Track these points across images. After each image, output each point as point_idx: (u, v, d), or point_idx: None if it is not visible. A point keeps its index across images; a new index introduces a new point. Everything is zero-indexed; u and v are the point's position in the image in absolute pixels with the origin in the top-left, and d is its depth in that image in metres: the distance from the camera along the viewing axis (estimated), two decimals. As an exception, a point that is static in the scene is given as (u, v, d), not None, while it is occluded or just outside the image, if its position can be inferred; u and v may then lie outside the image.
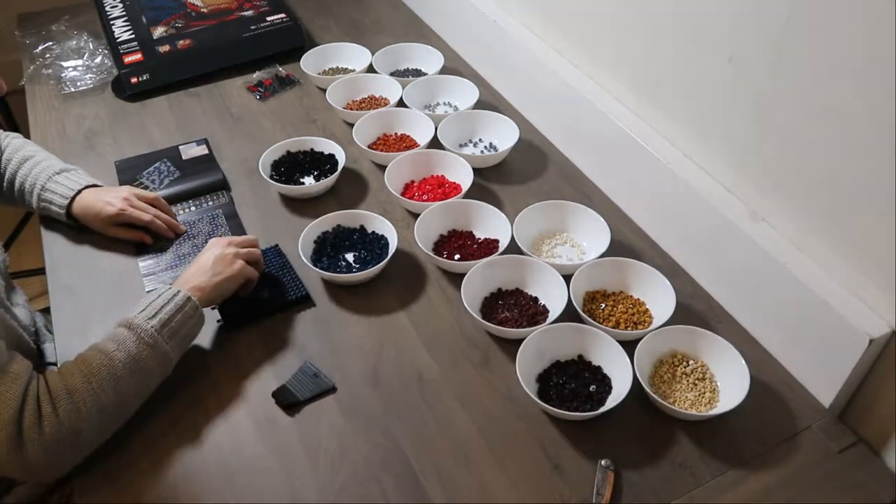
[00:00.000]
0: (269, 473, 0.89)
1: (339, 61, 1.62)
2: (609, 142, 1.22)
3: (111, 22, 1.67)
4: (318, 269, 1.09)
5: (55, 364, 1.12)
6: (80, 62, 1.62)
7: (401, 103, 1.43)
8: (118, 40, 1.60)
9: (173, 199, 1.27)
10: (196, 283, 0.98)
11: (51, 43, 1.68)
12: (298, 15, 1.75)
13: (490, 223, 1.18)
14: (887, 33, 0.75)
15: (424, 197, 1.24)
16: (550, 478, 0.88)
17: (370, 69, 1.56)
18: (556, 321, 1.00)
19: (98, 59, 1.63)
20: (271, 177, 1.28)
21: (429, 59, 1.59)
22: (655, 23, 1.09)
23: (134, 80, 1.53)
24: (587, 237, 1.16)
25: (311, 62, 1.58)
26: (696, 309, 1.08)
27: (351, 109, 1.46)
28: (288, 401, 0.96)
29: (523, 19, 1.46)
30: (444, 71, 1.55)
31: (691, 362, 0.98)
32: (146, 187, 1.29)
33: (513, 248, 1.12)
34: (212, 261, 1.00)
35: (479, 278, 1.07)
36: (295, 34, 1.66)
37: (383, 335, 1.05)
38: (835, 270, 0.92)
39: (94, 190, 1.17)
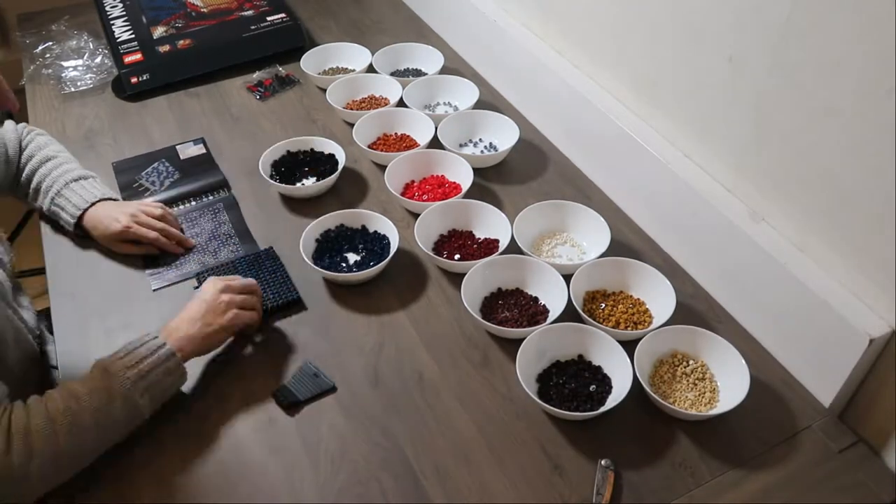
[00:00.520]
0: (269, 473, 0.89)
1: (339, 61, 1.62)
2: (609, 142, 1.22)
3: (111, 22, 1.67)
4: (318, 269, 1.09)
5: (53, 367, 1.12)
6: (80, 62, 1.62)
7: (401, 103, 1.43)
8: (118, 40, 1.60)
9: (175, 201, 1.27)
10: (182, 335, 0.93)
11: (51, 43, 1.68)
12: (298, 15, 1.75)
13: (490, 223, 1.18)
14: (887, 33, 0.75)
15: (424, 197, 1.24)
16: (550, 478, 0.88)
17: (370, 69, 1.56)
18: (556, 321, 1.00)
19: (98, 59, 1.63)
20: (271, 177, 1.28)
21: (429, 59, 1.59)
22: (655, 23, 1.09)
23: (134, 80, 1.53)
24: (587, 237, 1.16)
25: (311, 62, 1.58)
26: (696, 309, 1.08)
27: (351, 109, 1.46)
28: (288, 401, 0.96)
29: (523, 19, 1.46)
30: (444, 71, 1.55)
31: (691, 362, 0.98)
32: (145, 189, 1.29)
33: (513, 248, 1.12)
34: (202, 311, 0.95)
35: (479, 278, 1.07)
36: (295, 34, 1.66)
37: (383, 335, 1.05)
38: (835, 270, 0.92)
39: (105, 204, 1.16)
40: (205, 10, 1.70)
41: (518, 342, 0.97)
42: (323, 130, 1.44)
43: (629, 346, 0.95)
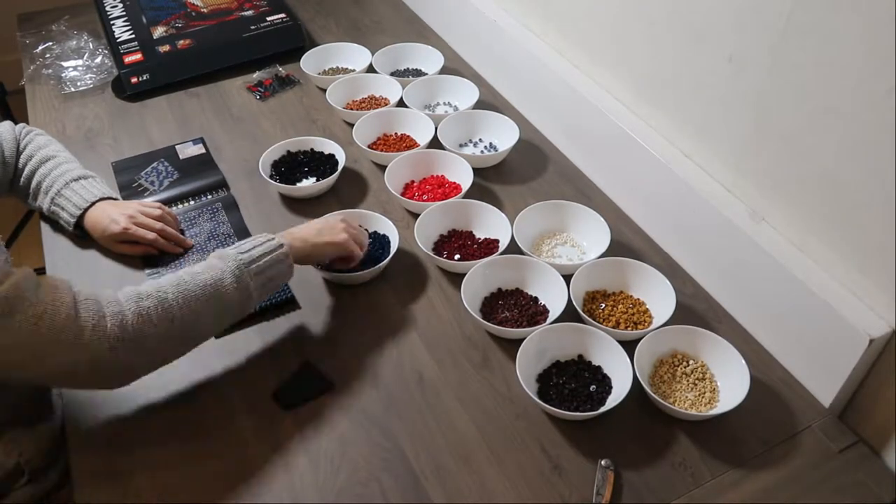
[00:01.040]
0: (269, 473, 0.89)
1: (339, 61, 1.62)
2: (609, 142, 1.22)
3: (111, 22, 1.67)
4: (318, 269, 1.09)
5: None
6: (80, 62, 1.62)
7: (401, 103, 1.43)
8: (118, 40, 1.60)
9: (174, 200, 1.27)
10: (297, 235, 1.00)
11: (51, 43, 1.68)
12: (298, 15, 1.75)
13: (490, 223, 1.18)
14: (887, 33, 0.75)
15: (424, 197, 1.24)
16: (550, 478, 0.88)
17: (370, 69, 1.56)
18: (556, 321, 1.00)
19: (98, 59, 1.63)
20: (271, 177, 1.28)
21: (429, 59, 1.59)
22: (655, 23, 1.09)
23: (134, 80, 1.53)
24: (587, 237, 1.16)
25: (311, 62, 1.58)
26: (696, 309, 1.08)
27: (351, 109, 1.46)
28: (288, 401, 0.95)
29: (523, 19, 1.46)
30: (444, 71, 1.55)
31: (691, 362, 0.98)
32: (145, 189, 1.29)
33: (513, 248, 1.12)
34: (321, 224, 1.04)
35: (479, 278, 1.07)
36: (295, 34, 1.66)
37: (383, 335, 1.05)
38: (835, 270, 0.92)
39: (104, 204, 1.16)
40: (205, 10, 1.70)
41: (518, 342, 0.97)
42: (323, 130, 1.44)
43: (629, 346, 0.95)
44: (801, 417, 0.94)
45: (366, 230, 1.13)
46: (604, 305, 1.06)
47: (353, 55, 1.61)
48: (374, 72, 1.54)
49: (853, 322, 0.87)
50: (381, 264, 1.09)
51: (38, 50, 1.66)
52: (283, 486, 0.87)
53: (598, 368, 0.98)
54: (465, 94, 1.46)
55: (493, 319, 1.04)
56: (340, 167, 1.28)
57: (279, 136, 1.41)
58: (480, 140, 1.39)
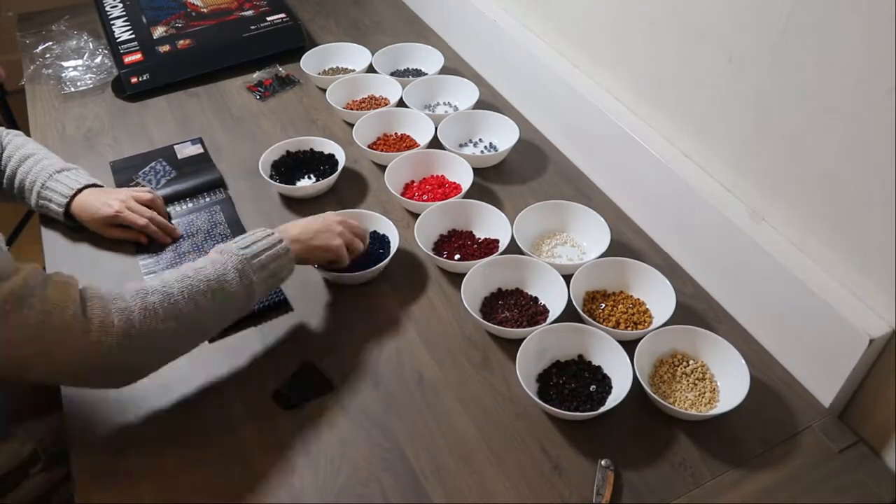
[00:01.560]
0: (269, 474, 0.89)
1: (339, 61, 1.62)
2: (609, 142, 1.22)
3: (111, 22, 1.67)
4: (318, 269, 1.09)
5: None
6: (80, 62, 1.62)
7: (401, 103, 1.43)
8: (118, 40, 1.60)
9: (171, 199, 1.27)
10: (295, 235, 1.00)
11: (51, 43, 1.68)
12: (298, 15, 1.75)
13: (490, 223, 1.18)
14: (887, 33, 0.75)
15: (424, 197, 1.24)
16: (550, 478, 0.88)
17: (370, 69, 1.56)
18: (556, 321, 1.00)
19: (98, 59, 1.63)
20: (271, 177, 1.28)
21: (429, 59, 1.59)
22: (655, 23, 1.09)
23: (134, 80, 1.53)
24: (587, 237, 1.16)
25: (311, 62, 1.58)
26: (696, 309, 1.08)
27: (351, 109, 1.46)
28: (288, 401, 0.95)
29: (523, 19, 1.46)
30: (444, 71, 1.55)
31: (691, 362, 0.98)
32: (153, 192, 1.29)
33: (513, 248, 1.12)
34: (317, 226, 1.03)
35: (479, 278, 1.07)
36: (295, 34, 1.66)
37: (383, 335, 1.05)
38: (835, 270, 0.92)
39: (93, 190, 1.18)
40: (205, 10, 1.70)
41: (518, 342, 0.97)
42: (323, 130, 1.44)
43: (629, 346, 0.95)
44: (801, 417, 0.94)
45: (366, 230, 1.13)
46: (604, 305, 1.06)
47: (353, 55, 1.61)
48: (374, 72, 1.54)
49: (853, 322, 0.87)
50: (381, 264, 1.09)
51: (38, 50, 1.66)
52: (283, 486, 0.87)
53: (598, 368, 0.98)
54: (465, 94, 1.46)
55: (493, 319, 1.04)
56: (340, 167, 1.28)
57: (279, 136, 1.41)
58: (480, 140, 1.39)
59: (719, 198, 1.05)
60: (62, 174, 1.18)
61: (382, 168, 1.29)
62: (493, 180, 1.31)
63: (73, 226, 1.18)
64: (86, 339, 0.79)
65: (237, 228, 1.22)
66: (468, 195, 1.22)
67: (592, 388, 0.95)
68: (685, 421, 0.93)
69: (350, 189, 1.30)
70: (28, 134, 1.36)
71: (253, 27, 1.64)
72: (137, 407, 0.94)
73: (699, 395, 0.95)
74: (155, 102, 1.53)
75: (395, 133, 1.40)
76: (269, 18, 1.66)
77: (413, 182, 1.29)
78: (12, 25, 1.78)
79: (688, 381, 0.96)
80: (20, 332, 0.75)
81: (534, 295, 1.08)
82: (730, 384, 0.94)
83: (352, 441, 0.92)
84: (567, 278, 1.05)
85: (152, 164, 1.34)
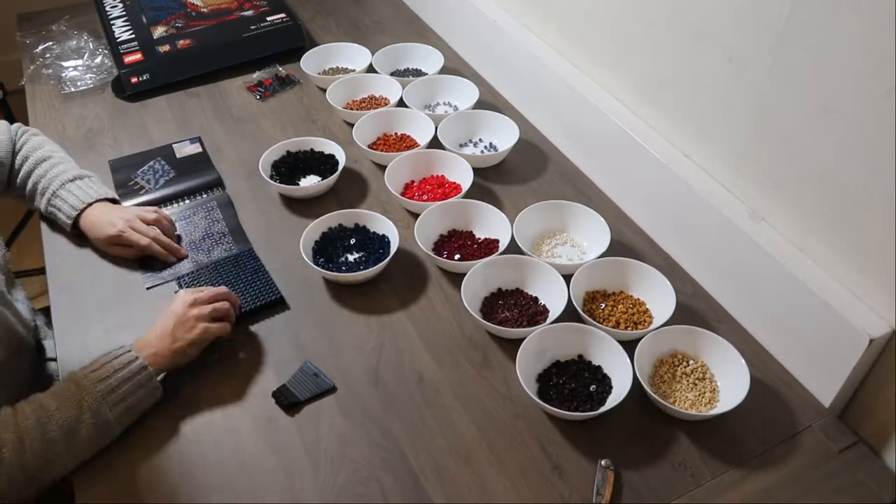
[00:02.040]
0: (269, 473, 0.89)
1: (339, 61, 1.62)
2: (609, 142, 1.22)
3: (111, 22, 1.67)
4: (318, 269, 1.09)
5: (55, 360, 1.12)
6: (80, 62, 1.62)
7: (401, 103, 1.43)
8: (118, 40, 1.60)
9: (169, 199, 1.27)
10: (154, 351, 0.93)
11: (51, 43, 1.68)
12: (298, 15, 1.75)
13: (490, 223, 1.18)
14: (887, 33, 0.75)
15: (424, 197, 1.24)
16: (550, 478, 0.88)
17: (370, 69, 1.56)
18: (556, 321, 1.00)
19: (98, 59, 1.63)
20: (271, 177, 1.28)
21: (429, 59, 1.59)
22: (655, 23, 1.09)
23: (134, 80, 1.53)
24: (587, 237, 1.16)
25: (311, 62, 1.58)
26: (696, 309, 1.08)
27: (351, 109, 1.46)
28: (288, 401, 0.96)
29: (523, 19, 1.46)
30: (444, 71, 1.55)
31: (691, 362, 0.98)
32: (141, 187, 1.29)
33: (513, 248, 1.12)
34: (171, 325, 0.95)
35: (479, 278, 1.07)
36: (295, 34, 1.66)
37: (383, 335, 1.05)
38: (835, 270, 0.92)
39: (102, 206, 1.17)
40: (205, 10, 1.70)
41: (518, 342, 0.97)
42: (323, 130, 1.44)
43: (629, 346, 0.95)
44: (801, 417, 0.94)
45: (218, 290, 1.02)
46: (604, 305, 1.06)
47: (353, 55, 1.61)
48: (374, 72, 1.54)
49: (853, 322, 0.87)
50: (381, 264, 1.09)
51: (38, 50, 1.66)
52: (283, 486, 0.87)
53: (598, 368, 0.98)
54: (465, 94, 1.46)
55: (493, 319, 1.04)
56: (340, 167, 1.28)
57: (279, 136, 1.41)
58: (480, 140, 1.39)
59: (719, 198, 1.05)
60: (75, 184, 1.17)
61: (382, 168, 1.29)
62: (493, 180, 1.31)
63: (80, 235, 1.17)
64: None
65: (235, 226, 1.22)
66: (468, 195, 1.22)
67: (592, 388, 0.95)
68: (685, 421, 0.93)
69: (350, 189, 1.30)
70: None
71: (253, 27, 1.64)
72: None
73: (699, 395, 0.95)
74: (155, 102, 1.53)
75: (395, 133, 1.40)
76: (269, 18, 1.66)
77: (413, 182, 1.29)
78: (12, 25, 1.78)
79: (688, 381, 0.96)
80: None
81: (534, 295, 1.08)
82: (730, 384, 0.94)
83: (352, 441, 0.92)
84: (567, 278, 1.05)
85: (151, 163, 1.34)
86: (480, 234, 1.18)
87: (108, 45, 1.63)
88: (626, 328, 1.02)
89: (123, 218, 1.14)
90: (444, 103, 1.49)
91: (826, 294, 0.90)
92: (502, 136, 1.36)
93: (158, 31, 1.63)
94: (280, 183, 1.27)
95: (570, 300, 1.03)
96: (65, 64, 1.62)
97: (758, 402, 0.95)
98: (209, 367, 1.00)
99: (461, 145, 1.38)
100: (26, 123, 1.47)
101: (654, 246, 1.18)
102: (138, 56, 1.56)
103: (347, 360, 1.01)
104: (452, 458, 0.90)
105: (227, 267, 1.14)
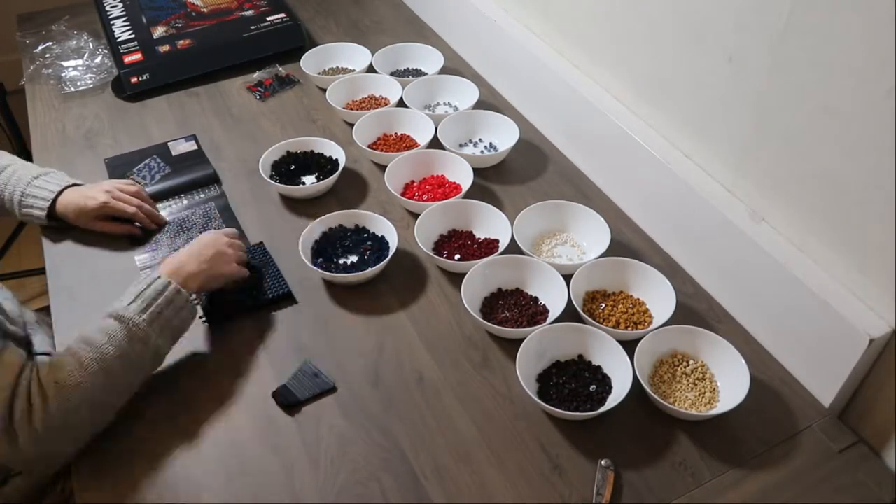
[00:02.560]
0: (269, 473, 0.89)
1: (339, 61, 1.62)
2: (609, 142, 1.22)
3: (111, 22, 1.67)
4: (318, 269, 1.09)
5: (44, 354, 1.12)
6: (80, 62, 1.62)
7: (401, 103, 1.43)
8: (118, 40, 1.60)
9: (165, 195, 1.28)
10: (188, 272, 0.98)
11: (51, 43, 1.68)
12: (298, 15, 1.75)
13: (490, 223, 1.18)
14: (887, 33, 0.75)
15: (424, 197, 1.24)
16: (550, 478, 0.88)
17: (370, 69, 1.56)
18: (556, 321, 1.00)
19: (98, 59, 1.63)
20: (271, 177, 1.28)
21: (429, 59, 1.59)
22: (655, 23, 1.09)
23: (134, 80, 1.53)
24: (587, 237, 1.16)
25: (311, 62, 1.58)
26: (696, 309, 1.08)
27: (351, 109, 1.46)
28: (288, 401, 0.96)
29: (523, 19, 1.46)
30: (444, 71, 1.55)
31: (691, 362, 0.98)
32: (137, 184, 1.29)
33: (513, 248, 1.12)
34: (210, 254, 1.01)
35: (479, 278, 1.07)
36: (295, 34, 1.66)
37: (383, 335, 1.05)
38: (835, 270, 0.92)
39: (75, 189, 1.18)
40: (205, 10, 1.70)
41: (518, 342, 0.97)
42: (323, 130, 1.44)
43: (629, 346, 0.95)
44: (801, 417, 0.94)
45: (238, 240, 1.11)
46: (604, 305, 1.06)
47: (353, 55, 1.61)
48: (374, 72, 1.54)
49: (853, 322, 0.87)
50: (380, 265, 1.09)
51: (38, 50, 1.65)
52: (283, 486, 0.87)
53: (598, 368, 0.98)
54: (465, 94, 1.46)
55: (493, 319, 1.04)
56: (341, 167, 1.28)
57: (279, 136, 1.41)
58: (480, 140, 1.39)
59: (719, 198, 1.05)
60: (39, 179, 1.17)
61: (382, 168, 1.29)
62: (493, 180, 1.31)
63: (59, 226, 1.18)
64: (7, 430, 0.81)
65: (231, 223, 1.22)
66: (468, 195, 1.22)
67: (592, 388, 0.95)
68: (685, 421, 0.93)
69: (350, 189, 1.30)
70: (28, 134, 1.36)
71: (253, 27, 1.64)
72: (138, 406, 0.94)
73: (699, 395, 0.95)
74: (155, 102, 1.53)
75: (395, 133, 1.40)
76: (269, 18, 1.66)
77: (413, 182, 1.29)
78: (12, 25, 1.78)
79: (688, 381, 0.96)
80: None
81: (534, 295, 1.08)
82: (730, 384, 0.94)
83: (352, 441, 0.92)
84: (567, 278, 1.05)
85: (146, 160, 1.35)
86: (480, 234, 1.18)
87: (108, 45, 1.63)
88: (626, 328, 1.02)
89: (103, 189, 1.16)
90: (444, 103, 1.49)
91: (826, 294, 0.90)
92: (502, 136, 1.36)
93: (158, 31, 1.63)
94: (280, 183, 1.27)
95: (570, 300, 1.03)
96: (65, 64, 1.62)
97: (758, 402, 0.95)
98: (209, 367, 1.00)
99: (461, 145, 1.38)
100: (26, 123, 1.48)
101: (654, 246, 1.18)
102: (138, 56, 1.56)
103: (347, 361, 1.01)
104: (452, 458, 0.90)
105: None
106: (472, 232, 1.19)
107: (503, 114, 1.39)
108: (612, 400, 0.92)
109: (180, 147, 1.38)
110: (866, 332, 0.86)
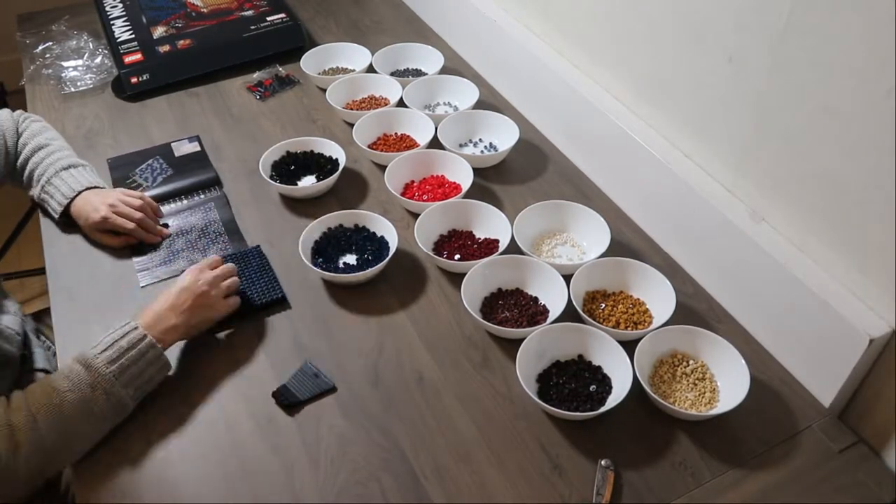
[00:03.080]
0: (269, 473, 0.89)
1: (339, 61, 1.62)
2: (609, 142, 1.22)
3: (111, 22, 1.67)
4: (318, 269, 1.09)
5: (45, 371, 1.12)
6: (80, 62, 1.62)
7: (401, 103, 1.43)
8: (118, 40, 1.60)
9: (167, 197, 1.28)
10: (166, 326, 0.94)
11: (51, 43, 1.68)
12: (298, 15, 1.75)
13: (490, 223, 1.18)
14: (887, 33, 0.75)
15: (424, 197, 1.24)
16: (550, 478, 0.88)
17: (370, 69, 1.56)
18: (556, 321, 1.00)
19: (98, 59, 1.63)
20: (271, 177, 1.28)
21: (429, 59, 1.59)
22: (655, 23, 1.09)
23: (134, 80, 1.53)
24: (587, 237, 1.16)
25: (311, 62, 1.58)
26: (696, 309, 1.08)
27: (351, 109, 1.46)
28: (288, 401, 0.96)
29: (523, 19, 1.46)
30: (444, 71, 1.55)
31: (691, 362, 0.98)
32: (138, 185, 1.29)
33: (513, 248, 1.12)
34: (189, 303, 0.96)
35: (479, 278, 1.07)
36: (295, 34, 1.66)
37: (383, 335, 1.05)
38: (835, 270, 0.92)
39: (89, 193, 1.18)
40: (205, 10, 1.70)
41: (518, 342, 0.97)
42: (323, 130, 1.44)
43: (629, 346, 0.95)
44: (801, 417, 0.94)
45: (227, 267, 1.05)
46: (604, 305, 1.06)
47: (353, 55, 1.61)
48: (374, 72, 1.54)
49: (853, 322, 0.87)
50: (380, 265, 1.09)
51: (38, 50, 1.66)
52: (283, 486, 0.87)
53: (598, 368, 0.98)
54: (465, 94, 1.46)
55: (493, 319, 1.04)
56: (341, 167, 1.28)
57: (279, 136, 1.41)
58: (480, 140, 1.39)
59: (719, 198, 1.05)
60: (68, 172, 1.18)
61: (382, 168, 1.29)
62: (493, 180, 1.31)
63: (70, 224, 1.19)
64: None
65: (231, 226, 1.22)
66: (468, 195, 1.22)
67: (592, 388, 0.95)
68: (685, 421, 0.93)
69: (350, 189, 1.30)
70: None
71: (253, 27, 1.64)
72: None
73: (699, 395, 0.95)
74: (155, 102, 1.53)
75: (395, 133, 1.40)
76: (269, 18, 1.66)
77: (413, 182, 1.29)
78: (12, 25, 1.78)
79: (688, 381, 0.96)
80: None
81: (534, 295, 1.08)
82: (730, 384, 0.94)
83: (352, 441, 0.92)
84: (567, 278, 1.05)
85: (149, 161, 1.35)
86: (480, 234, 1.18)
87: (108, 45, 1.63)
88: (626, 328, 1.02)
89: (106, 203, 1.15)
90: (444, 103, 1.49)
91: (826, 294, 0.90)
92: (502, 136, 1.36)
93: (158, 32, 1.63)
94: (280, 183, 1.27)
95: (570, 300, 1.03)
96: (65, 64, 1.62)
97: (758, 402, 0.95)
98: (210, 367, 1.00)
99: (461, 145, 1.38)
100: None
101: (654, 246, 1.18)
102: (138, 56, 1.56)
103: (347, 361, 1.01)
104: (452, 458, 0.90)
105: (233, 262, 1.14)
106: (472, 232, 1.19)
107: (503, 114, 1.39)
108: (612, 400, 0.92)
109: (184, 148, 1.38)
110: (866, 332, 0.86)
